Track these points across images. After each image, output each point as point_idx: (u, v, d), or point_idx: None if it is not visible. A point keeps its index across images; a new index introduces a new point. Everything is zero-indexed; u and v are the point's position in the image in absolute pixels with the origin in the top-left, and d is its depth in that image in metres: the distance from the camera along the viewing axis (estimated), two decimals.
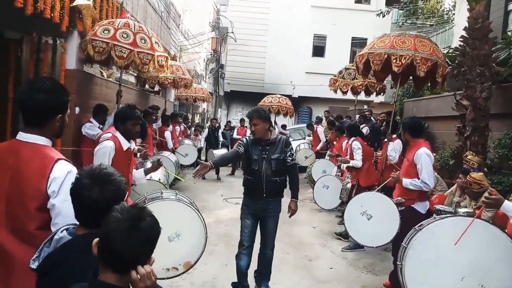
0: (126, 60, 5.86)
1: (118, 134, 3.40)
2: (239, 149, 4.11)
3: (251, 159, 4.06)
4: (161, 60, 6.22)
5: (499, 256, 2.72)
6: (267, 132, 4.08)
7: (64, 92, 2.04)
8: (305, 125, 16.09)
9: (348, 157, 6.65)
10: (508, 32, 7.62)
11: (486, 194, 4.80)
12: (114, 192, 1.61)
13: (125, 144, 3.39)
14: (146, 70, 6.14)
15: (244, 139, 4.22)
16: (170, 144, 9.16)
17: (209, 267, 4.72)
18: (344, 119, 11.14)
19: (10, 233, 1.87)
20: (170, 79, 9.56)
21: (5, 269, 1.87)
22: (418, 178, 4.13)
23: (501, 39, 7.17)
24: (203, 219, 3.38)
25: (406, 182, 4.18)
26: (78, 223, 1.69)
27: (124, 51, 5.80)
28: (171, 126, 9.71)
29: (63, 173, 1.88)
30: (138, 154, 5.53)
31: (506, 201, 2.73)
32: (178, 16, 16.36)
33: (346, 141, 7.24)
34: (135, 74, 10.52)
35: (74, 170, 1.91)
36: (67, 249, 1.57)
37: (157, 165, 3.91)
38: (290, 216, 4.24)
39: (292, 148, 4.25)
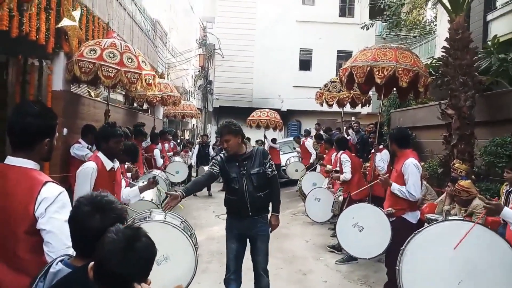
0: (113, 79, 5.86)
1: (100, 154, 3.28)
2: (213, 169, 3.80)
3: (230, 178, 3.75)
4: (149, 78, 6.24)
5: (496, 261, 2.73)
6: (241, 146, 3.77)
7: (52, 115, 2.05)
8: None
9: (338, 169, 6.71)
10: (488, 42, 7.82)
11: (477, 201, 4.88)
12: (115, 220, 1.55)
13: (108, 164, 3.26)
14: (134, 89, 6.14)
15: (218, 157, 3.91)
16: (160, 162, 9.10)
17: (203, 286, 4.67)
18: (334, 131, 11.22)
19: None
20: (158, 97, 9.57)
21: None
22: None
23: (482, 48, 7.36)
24: (192, 241, 3.32)
25: (395, 187, 4.18)
26: (72, 250, 1.65)
27: (111, 71, 5.82)
28: (160, 144, 9.67)
29: (53, 194, 1.86)
30: (130, 174, 5.50)
31: (505, 207, 2.76)
32: (164, 34, 16.48)
33: (335, 153, 7.28)
34: (123, 93, 10.51)
35: (65, 192, 1.91)
36: (68, 283, 1.50)
37: (152, 181, 3.60)
38: (271, 231, 3.90)
39: (270, 159, 3.93)
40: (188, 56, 22.86)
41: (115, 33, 8.07)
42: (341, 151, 6.68)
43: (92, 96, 8.71)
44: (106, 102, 6.73)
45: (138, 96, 9.50)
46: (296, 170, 11.18)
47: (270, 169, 3.81)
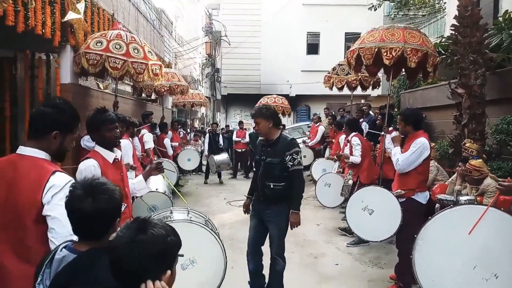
0: (120, 70, 5.93)
1: (98, 148, 2.88)
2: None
3: (255, 159, 4.01)
4: (155, 68, 6.27)
5: (511, 244, 2.67)
6: (271, 131, 3.77)
7: (68, 112, 2.08)
8: (304, 123, 16.13)
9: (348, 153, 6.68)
10: (499, 18, 7.62)
11: (489, 180, 4.83)
12: (107, 200, 1.59)
13: (109, 156, 2.87)
14: (141, 80, 6.19)
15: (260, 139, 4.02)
16: (170, 151, 9.18)
17: None
18: (344, 115, 11.11)
19: (8, 248, 1.89)
20: (166, 87, 9.60)
21: (1, 285, 1.89)
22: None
23: (492, 25, 7.18)
24: (221, 241, 3.13)
25: (396, 150, 4.30)
26: (76, 237, 1.68)
27: (118, 62, 5.87)
28: (170, 133, 9.73)
29: (61, 182, 1.91)
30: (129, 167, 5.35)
31: None
32: (170, 23, 16.43)
33: (344, 136, 7.24)
34: (131, 84, 10.56)
35: (73, 181, 1.92)
36: (74, 269, 1.51)
37: (155, 167, 3.27)
38: (291, 228, 3.83)
39: (297, 152, 3.74)
40: (195, 45, 22.78)
41: (120, 24, 8.09)
42: (353, 134, 6.61)
43: (101, 88, 8.77)
44: (114, 94, 6.78)
45: (146, 87, 9.54)
46: (304, 156, 11.16)
47: (292, 162, 3.68)
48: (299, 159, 3.75)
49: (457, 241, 2.80)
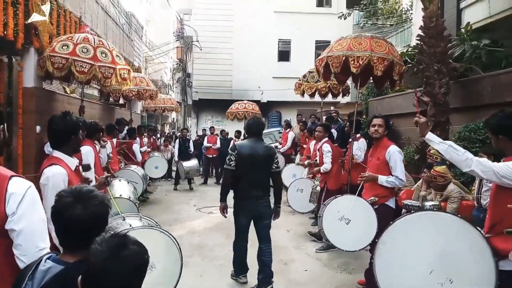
0: (87, 75, 5.78)
1: (59, 154, 2.70)
2: None
3: None
4: (123, 73, 6.16)
5: (467, 249, 2.72)
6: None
7: None
8: (275, 129, 16.20)
9: (317, 160, 6.73)
10: (461, 29, 7.94)
11: (452, 186, 4.98)
12: (98, 206, 1.56)
13: (72, 163, 2.75)
14: (109, 84, 6.06)
15: None
16: (139, 157, 9.00)
17: (184, 280, 4.63)
18: (315, 121, 11.22)
19: None
20: (134, 91, 9.44)
21: None
22: (391, 175, 4.21)
23: (456, 35, 7.46)
24: (178, 244, 3.22)
25: (382, 179, 4.23)
26: (45, 251, 1.62)
27: (85, 66, 5.73)
28: (138, 138, 9.55)
29: (21, 189, 1.76)
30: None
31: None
32: (140, 27, 16.21)
33: (314, 142, 7.29)
34: (99, 88, 10.33)
35: (33, 187, 1.82)
36: (62, 282, 1.45)
37: (104, 182, 3.23)
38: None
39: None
40: (166, 49, 22.58)
41: (88, 27, 7.90)
42: (323, 140, 6.64)
43: (67, 92, 8.52)
44: (81, 98, 6.60)
45: (113, 91, 9.35)
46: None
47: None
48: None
49: (415, 246, 2.85)
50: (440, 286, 2.69)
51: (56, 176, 2.58)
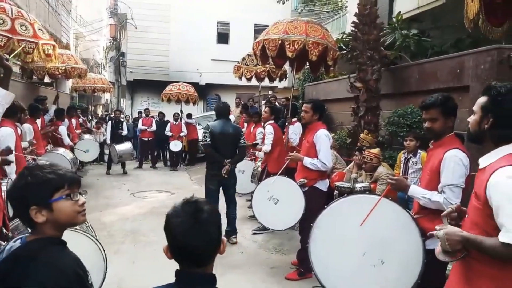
0: (4, 49, 5.26)
1: None
2: None
3: None
4: (47, 48, 5.69)
5: (398, 232, 2.78)
6: None
7: None
8: (213, 112, 16.02)
9: (257, 142, 6.77)
10: (393, 18, 8.26)
11: (381, 169, 5.22)
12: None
13: None
14: (30, 60, 5.58)
15: None
16: (67, 140, 8.45)
17: (115, 267, 4.45)
18: (253, 105, 11.23)
19: None
20: (61, 69, 8.82)
21: None
22: (317, 158, 4.29)
23: (387, 24, 7.75)
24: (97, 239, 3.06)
25: (307, 161, 4.31)
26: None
27: (1, 39, 5.20)
28: (66, 120, 8.96)
29: None
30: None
31: (412, 185, 2.79)
32: (69, 1, 15.11)
33: (254, 125, 7.29)
34: (20, 64, 9.49)
35: None
36: (13, 259, 1.42)
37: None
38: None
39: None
40: (98, 27, 21.34)
41: None
42: (268, 122, 6.54)
43: None
44: None
45: (37, 68, 8.66)
46: None
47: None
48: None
49: (348, 229, 2.89)
50: (372, 267, 2.75)
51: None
